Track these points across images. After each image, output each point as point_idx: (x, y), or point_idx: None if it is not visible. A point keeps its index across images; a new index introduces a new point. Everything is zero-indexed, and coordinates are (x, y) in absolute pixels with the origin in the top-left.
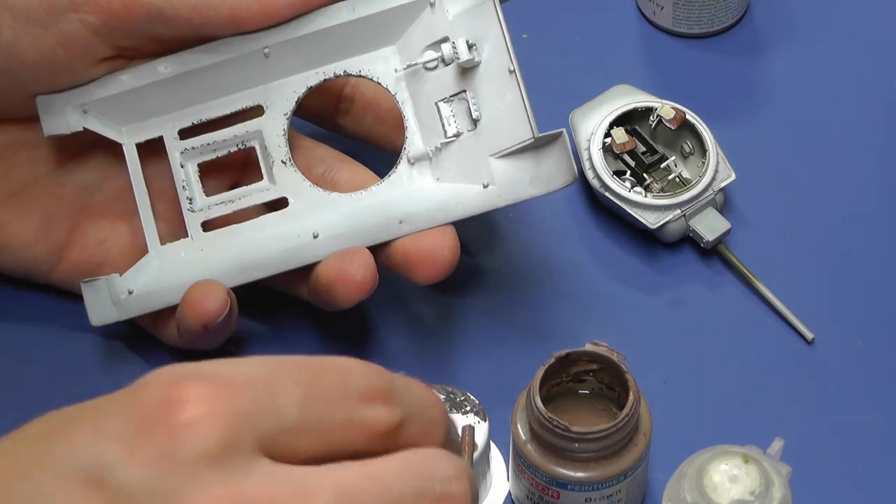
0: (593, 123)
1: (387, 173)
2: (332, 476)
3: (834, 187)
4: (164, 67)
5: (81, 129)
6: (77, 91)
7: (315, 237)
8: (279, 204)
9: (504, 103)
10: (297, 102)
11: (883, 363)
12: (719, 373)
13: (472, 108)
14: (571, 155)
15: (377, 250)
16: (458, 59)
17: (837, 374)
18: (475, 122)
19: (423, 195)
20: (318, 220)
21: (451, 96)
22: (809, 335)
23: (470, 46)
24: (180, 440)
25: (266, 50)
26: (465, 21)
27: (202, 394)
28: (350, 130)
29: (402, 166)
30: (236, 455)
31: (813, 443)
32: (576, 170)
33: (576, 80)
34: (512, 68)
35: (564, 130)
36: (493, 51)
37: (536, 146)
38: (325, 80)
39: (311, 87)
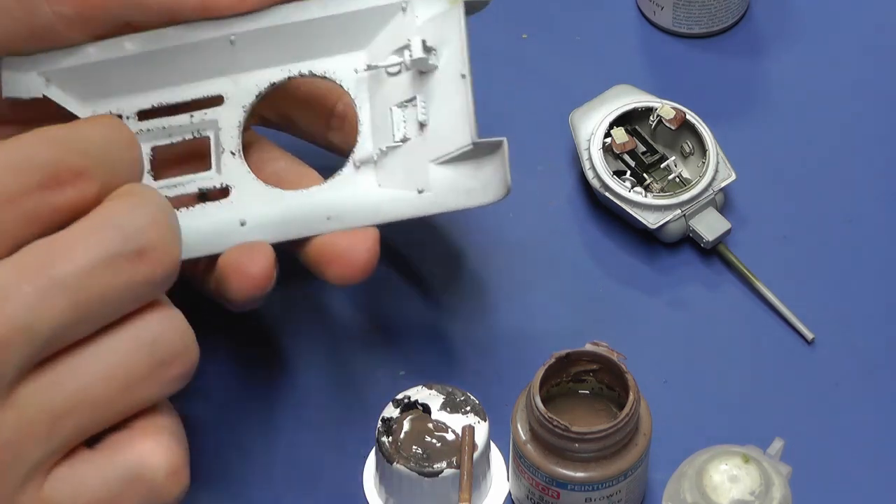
0: (593, 123)
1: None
2: (25, 272)
3: (834, 187)
4: (130, 44)
5: (41, 96)
6: (43, 57)
7: (242, 224)
8: (223, 195)
9: (452, 109)
10: (258, 97)
11: (883, 363)
12: (719, 373)
13: (421, 111)
14: (508, 167)
15: (301, 248)
16: (412, 56)
17: (837, 374)
18: (422, 126)
19: (359, 197)
20: (251, 210)
21: (405, 101)
22: (809, 335)
23: (428, 49)
24: None
25: (232, 37)
26: (431, 27)
27: None
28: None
29: (347, 169)
30: None
31: (813, 443)
32: (510, 183)
33: (576, 80)
34: (464, 73)
35: (505, 140)
36: (450, 56)
37: (477, 155)
38: (289, 77)
39: (275, 83)
